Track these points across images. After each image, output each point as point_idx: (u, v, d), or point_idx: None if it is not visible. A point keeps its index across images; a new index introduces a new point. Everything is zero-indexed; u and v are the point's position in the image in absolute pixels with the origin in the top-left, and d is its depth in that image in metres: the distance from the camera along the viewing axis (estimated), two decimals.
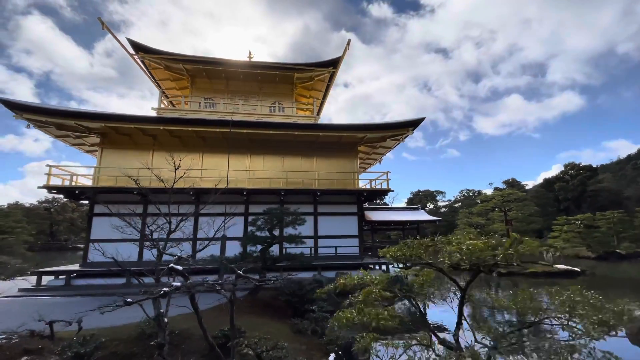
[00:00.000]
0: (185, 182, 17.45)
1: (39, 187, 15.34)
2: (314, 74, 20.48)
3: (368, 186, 20.40)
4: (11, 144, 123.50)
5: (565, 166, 70.66)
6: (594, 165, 68.36)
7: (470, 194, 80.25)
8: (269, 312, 9.75)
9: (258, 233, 11.28)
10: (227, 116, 19.35)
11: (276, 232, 11.27)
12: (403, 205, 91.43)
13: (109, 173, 17.02)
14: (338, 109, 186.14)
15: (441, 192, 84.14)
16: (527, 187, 77.18)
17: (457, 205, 75.15)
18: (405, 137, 18.57)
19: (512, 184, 76.12)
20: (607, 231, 34.66)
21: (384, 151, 21.28)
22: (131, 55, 18.30)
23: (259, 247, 10.87)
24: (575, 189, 64.23)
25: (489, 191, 77.43)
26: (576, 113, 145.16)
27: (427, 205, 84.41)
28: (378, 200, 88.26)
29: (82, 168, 16.34)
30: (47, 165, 15.54)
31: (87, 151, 19.33)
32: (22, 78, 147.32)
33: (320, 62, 20.16)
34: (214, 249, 14.99)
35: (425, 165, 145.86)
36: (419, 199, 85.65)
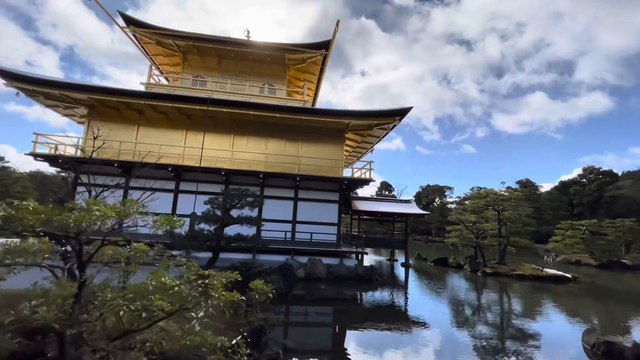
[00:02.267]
0: (168, 159, 17.76)
1: (25, 154, 15.88)
2: (306, 56, 19.96)
3: (357, 174, 20.09)
4: (36, 114, 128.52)
5: (584, 170, 67.40)
6: (616, 171, 64.73)
7: (481, 192, 78.21)
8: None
9: (217, 212, 11.26)
10: (215, 95, 19.25)
11: (234, 213, 11.22)
12: (411, 198, 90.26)
13: (97, 144, 17.38)
14: (354, 97, 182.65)
15: (449, 188, 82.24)
16: (542, 189, 74.64)
17: (466, 202, 73.52)
18: (392, 127, 17.98)
19: (526, 184, 73.47)
20: (615, 240, 33.06)
21: (373, 140, 20.74)
22: (122, 28, 18.32)
23: (214, 225, 10.88)
24: (592, 194, 61.32)
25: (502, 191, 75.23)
26: (603, 115, 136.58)
27: (435, 200, 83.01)
28: (386, 192, 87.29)
29: (67, 138, 16.64)
30: (34, 133, 16.00)
31: (79, 122, 19.77)
32: (49, 51, 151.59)
33: (311, 44, 19.58)
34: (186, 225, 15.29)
35: (439, 160, 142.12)
36: (426, 194, 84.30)
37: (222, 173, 17.07)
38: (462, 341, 8.70)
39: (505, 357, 7.57)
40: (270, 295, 4.74)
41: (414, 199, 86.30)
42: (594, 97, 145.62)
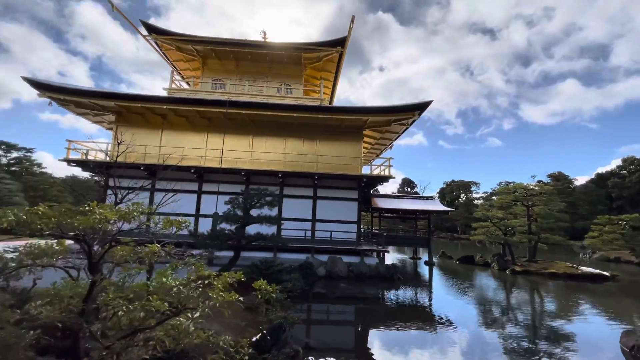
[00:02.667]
0: (190, 161, 18.26)
1: (59, 160, 16.86)
2: (322, 54, 19.86)
3: (376, 172, 19.79)
4: (69, 122, 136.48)
5: (624, 160, 62.93)
6: None
7: (509, 186, 74.94)
8: (238, 288, 9.97)
9: (238, 212, 11.44)
10: (234, 97, 19.58)
11: (254, 213, 11.36)
12: (434, 194, 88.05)
13: (122, 149, 18.17)
14: (372, 94, 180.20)
15: (475, 183, 79.43)
16: (576, 183, 70.54)
17: (493, 198, 70.57)
18: (412, 122, 17.55)
19: (558, 177, 69.67)
20: None
21: (392, 136, 20.34)
22: (144, 36, 19.02)
23: (235, 225, 11.05)
24: (633, 187, 57.18)
25: (531, 185, 71.73)
26: None
27: (460, 196, 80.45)
28: (409, 189, 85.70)
29: (97, 144, 17.50)
30: (67, 140, 16.94)
31: (107, 128, 20.73)
32: (79, 61, 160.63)
33: (327, 42, 19.47)
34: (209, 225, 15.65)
35: (463, 155, 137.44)
36: (451, 190, 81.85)
37: (242, 173, 17.34)
38: (491, 342, 8.34)
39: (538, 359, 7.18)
40: (276, 294, 4.70)
41: (437, 195, 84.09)
42: (632, 82, 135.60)
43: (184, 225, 3.94)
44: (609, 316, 11.48)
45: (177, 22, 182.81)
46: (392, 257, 25.70)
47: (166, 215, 15.06)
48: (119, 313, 2.60)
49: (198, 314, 3.08)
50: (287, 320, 7.31)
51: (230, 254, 11.61)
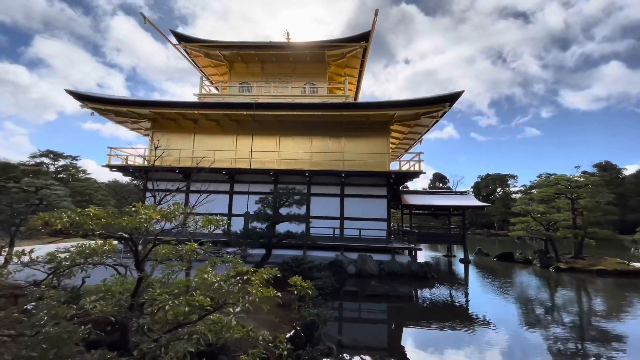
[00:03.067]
0: (222, 163, 18.86)
1: (102, 166, 18.06)
2: (345, 50, 19.69)
3: (405, 167, 19.34)
4: (109, 130, 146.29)
5: None
6: None
7: (550, 178, 70.15)
8: (272, 285, 10.16)
9: (268, 211, 11.65)
10: (260, 99, 19.97)
11: (283, 211, 11.50)
12: (468, 189, 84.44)
13: (158, 154, 19.14)
14: (398, 87, 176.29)
15: (513, 177, 75.20)
16: (625, 173, 64.76)
17: (533, 191, 66.27)
18: (442, 114, 16.93)
19: (605, 167, 64.36)
20: None
21: (422, 130, 19.74)
22: (174, 45, 19.88)
23: (265, 224, 11.26)
24: None
25: (575, 176, 66.70)
26: None
27: (497, 190, 76.57)
28: (440, 184, 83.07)
29: (135, 150, 18.56)
30: (109, 147, 18.11)
31: (144, 135, 21.92)
32: (115, 73, 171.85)
33: (350, 37, 19.27)
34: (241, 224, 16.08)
35: (498, 147, 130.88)
36: (486, 184, 78.13)
37: (271, 173, 17.64)
38: (533, 343, 7.83)
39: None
40: (312, 291, 4.69)
41: (472, 190, 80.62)
42: None
43: (220, 224, 4.05)
44: None
45: (203, 29, 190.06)
46: (424, 255, 25.00)
47: (201, 215, 15.68)
48: (166, 307, 2.71)
49: (239, 308, 3.15)
50: (319, 318, 7.32)
51: (262, 251, 11.85)
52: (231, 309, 3.23)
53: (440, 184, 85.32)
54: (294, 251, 16.27)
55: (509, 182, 75.30)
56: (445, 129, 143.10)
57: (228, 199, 18.55)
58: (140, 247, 3.52)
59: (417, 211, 23.38)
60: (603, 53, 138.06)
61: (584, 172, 66.93)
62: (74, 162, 42.86)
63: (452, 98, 15.89)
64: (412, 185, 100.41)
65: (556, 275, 17.97)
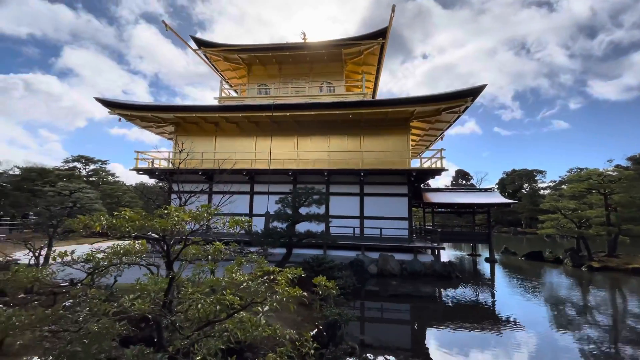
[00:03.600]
0: (242, 164, 19.23)
1: (129, 169, 18.86)
2: (362, 48, 19.54)
3: (427, 164, 18.98)
4: (135, 135, 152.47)
5: None
6: None
7: (581, 173, 66.56)
8: (293, 284, 10.29)
9: (287, 211, 11.78)
10: (277, 100, 20.19)
11: (303, 211, 11.58)
12: (493, 186, 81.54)
13: (182, 157, 19.79)
14: (416, 83, 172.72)
15: (541, 172, 71.87)
16: None
17: (563, 187, 62.97)
18: (464, 109, 16.45)
19: (639, 160, 60.26)
20: None
21: (443, 126, 19.28)
22: (194, 50, 20.45)
23: (286, 223, 11.38)
24: None
25: (608, 170, 63.08)
26: None
27: (524, 187, 73.56)
28: (463, 181, 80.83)
29: (160, 153, 19.24)
30: (135, 151, 18.89)
31: (168, 139, 22.70)
32: (139, 79, 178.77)
33: (367, 34, 19.10)
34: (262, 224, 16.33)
35: (524, 141, 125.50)
36: (512, 180, 75.20)
37: (290, 173, 17.80)
38: (564, 345, 7.51)
39: None
40: (336, 290, 4.71)
41: (497, 186, 77.76)
42: None
43: (245, 224, 4.16)
44: None
45: (220, 33, 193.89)
46: (448, 254, 24.46)
47: (224, 215, 16.01)
48: (198, 306, 2.83)
49: (267, 307, 3.23)
50: (342, 317, 7.34)
51: (283, 250, 11.99)
52: (260, 308, 3.32)
53: (463, 181, 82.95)
54: (314, 250, 16.37)
55: (536, 178, 72.12)
56: (466, 124, 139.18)
57: (249, 199, 18.90)
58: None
59: (440, 209, 22.89)
60: (633, 40, 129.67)
61: (617, 166, 63.01)
62: (104, 166, 45.07)
63: (475, 92, 15.41)
64: (433, 183, 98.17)
65: (589, 274, 17.12)
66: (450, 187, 33.62)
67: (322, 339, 6.23)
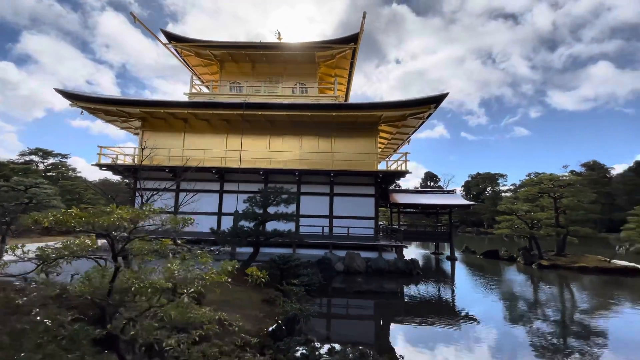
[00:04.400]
0: (212, 162, 19.01)
1: (91, 165, 18.08)
2: (335, 51, 19.97)
3: (393, 167, 19.73)
4: (99, 127, 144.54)
5: None
6: None
7: (534, 178, 71.29)
8: (258, 282, 10.41)
9: (256, 210, 11.88)
10: (250, 98, 20.13)
11: (271, 210, 11.75)
12: (455, 188, 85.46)
13: (148, 153, 19.19)
14: (390, 87, 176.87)
15: (502, 176, 76.47)
16: (613, 172, 66.39)
17: (522, 190, 67.34)
18: (428, 115, 17.33)
19: (593, 167, 65.88)
20: None
21: (409, 130, 20.14)
22: (164, 44, 19.93)
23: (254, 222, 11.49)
24: None
25: (564, 175, 68.12)
26: None
27: (487, 189, 77.77)
28: (432, 183, 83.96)
29: (125, 149, 18.61)
30: (98, 146, 18.14)
31: (134, 134, 21.93)
32: (105, 69, 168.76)
33: (339, 39, 19.54)
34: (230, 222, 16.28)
35: (488, 146, 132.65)
36: (476, 183, 79.34)
37: (261, 173, 17.85)
38: (514, 337, 8.23)
39: (566, 357, 6.98)
40: (299, 288, 5.00)
41: (462, 189, 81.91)
42: None
43: (189, 223, 4.36)
44: (636, 311, 10.97)
45: (193, 26, 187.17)
46: (416, 252, 25.53)
47: (190, 214, 15.73)
48: (132, 289, 3.01)
49: (193, 289, 3.47)
50: (302, 312, 7.64)
51: (252, 250, 12.09)
52: (185, 291, 3.58)
53: (432, 183, 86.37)
54: (283, 249, 16.53)
55: (498, 181, 76.59)
56: (436, 128, 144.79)
57: (218, 198, 18.72)
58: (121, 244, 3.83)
59: (405, 210, 23.84)
60: (591, 54, 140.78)
61: (571, 172, 68.47)
62: (64, 160, 42.46)
63: (438, 100, 16.29)
64: (404, 184, 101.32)
65: (539, 272, 18.57)
66: (415, 189, 34.97)
67: (281, 333, 6.47)
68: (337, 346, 4.38)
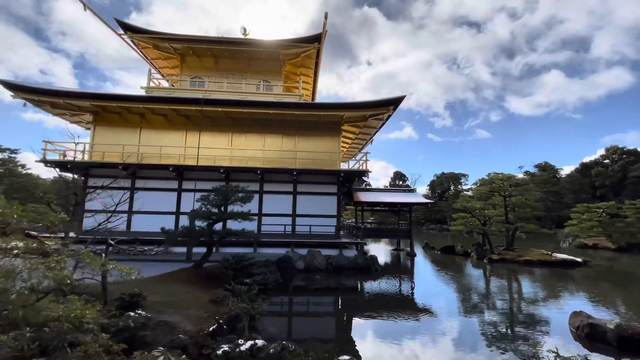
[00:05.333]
0: (170, 159, 18.37)
1: (36, 161, 16.83)
2: (299, 50, 20.00)
3: (356, 166, 20.13)
4: (54, 121, 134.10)
5: (607, 150, 64.33)
6: None
7: (492, 177, 75.81)
8: (209, 282, 10.27)
9: (211, 209, 11.67)
10: (213, 94, 19.66)
11: (228, 209, 11.60)
12: (415, 187, 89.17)
13: (100, 149, 18.20)
14: (361, 88, 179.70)
15: (464, 175, 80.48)
16: (563, 172, 71.91)
17: (475, 188, 71.07)
18: (387, 117, 17.87)
19: (545, 168, 70.99)
20: (635, 221, 31.63)
21: (371, 131, 20.64)
22: (119, 35, 18.93)
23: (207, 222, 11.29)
24: (615, 175, 58.58)
25: (519, 175, 73.05)
26: (626, 91, 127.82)
27: (450, 188, 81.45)
28: (400, 182, 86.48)
29: (74, 144, 17.48)
30: (43, 141, 16.92)
31: (86, 128, 20.67)
32: (61, 59, 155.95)
33: (303, 38, 19.61)
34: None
35: (453, 147, 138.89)
36: (440, 182, 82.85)
37: (221, 170, 17.52)
38: (455, 327, 8.75)
39: (494, 340, 7.60)
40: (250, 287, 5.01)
41: (428, 187, 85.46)
42: (614, 72, 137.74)
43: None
44: (566, 299, 12.05)
45: (159, 17, 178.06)
46: (381, 250, 26.32)
47: (147, 214, 15.31)
48: None
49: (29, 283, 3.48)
50: (247, 312, 7.65)
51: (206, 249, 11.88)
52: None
53: (400, 182, 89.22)
54: (245, 249, 16.40)
55: (461, 181, 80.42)
56: (404, 129, 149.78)
57: (176, 197, 18.15)
58: None
59: (368, 208, 24.43)
60: (544, 63, 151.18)
61: (526, 172, 73.63)
62: (13, 155, 39.20)
63: (395, 102, 16.85)
64: (375, 183, 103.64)
65: (489, 265, 19.80)
66: (378, 188, 36.01)
67: (222, 332, 6.46)
68: (260, 342, 4.46)
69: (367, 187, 39.23)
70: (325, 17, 16.67)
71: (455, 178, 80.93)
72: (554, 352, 4.38)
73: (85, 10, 16.59)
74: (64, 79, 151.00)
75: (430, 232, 58.91)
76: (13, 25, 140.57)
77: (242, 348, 4.24)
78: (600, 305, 11.16)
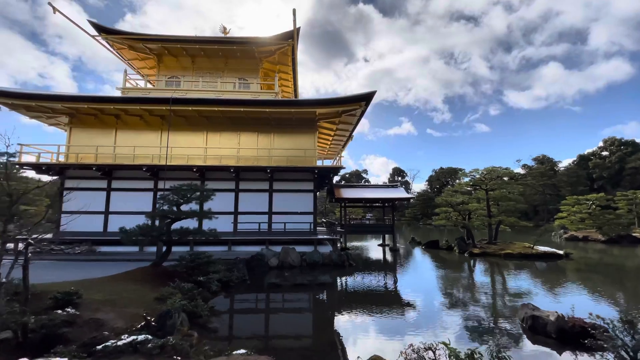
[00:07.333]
0: (146, 159, 18.45)
1: (13, 164, 16.98)
2: (274, 48, 19.96)
3: (335, 163, 20.09)
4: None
5: (605, 141, 63.52)
6: (639, 141, 60.28)
7: (498, 171, 75.27)
8: (164, 280, 10.30)
9: (173, 208, 11.75)
10: (189, 94, 19.73)
11: (186, 208, 11.68)
12: (424, 184, 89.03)
13: (76, 150, 18.32)
14: (359, 85, 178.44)
15: (462, 170, 79.84)
16: (561, 165, 71.27)
17: (457, 183, 70.62)
18: (361, 112, 17.78)
19: (543, 161, 70.42)
20: (625, 213, 31.37)
21: (347, 127, 20.53)
22: (93, 36, 19.00)
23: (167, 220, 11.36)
24: (612, 167, 57.93)
25: (517, 169, 72.61)
26: (625, 82, 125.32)
27: (448, 183, 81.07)
28: (399, 177, 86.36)
29: (50, 146, 17.64)
30: (19, 144, 17.07)
31: (64, 130, 20.80)
32: (59, 62, 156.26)
33: (276, 35, 19.47)
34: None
35: (452, 142, 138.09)
36: (438, 177, 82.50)
37: (194, 169, 17.58)
38: (416, 319, 8.82)
39: (453, 333, 7.66)
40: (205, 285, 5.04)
41: (427, 182, 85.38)
42: (613, 64, 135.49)
43: None
44: (536, 291, 11.95)
45: (153, 17, 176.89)
46: (371, 245, 26.38)
47: (121, 214, 15.42)
48: None
49: None
50: (187, 308, 7.73)
51: (186, 249, 11.98)
52: None
53: (399, 178, 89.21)
54: (218, 247, 16.50)
55: (459, 175, 79.86)
56: (404, 125, 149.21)
57: (152, 196, 18.24)
58: None
59: (351, 204, 24.40)
60: (541, 56, 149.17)
61: (524, 165, 73.16)
62: (12, 159, 39.55)
63: (367, 97, 16.76)
64: (375, 179, 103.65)
65: (469, 259, 19.72)
66: (359, 184, 36.03)
67: (150, 329, 6.51)
68: (141, 337, 4.50)
69: (342, 183, 39.20)
70: (294, 14, 16.60)
71: (454, 173, 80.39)
72: (446, 344, 4.36)
73: (54, 13, 16.67)
74: (63, 82, 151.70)
75: (427, 227, 58.84)
76: (10, 30, 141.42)
77: (119, 343, 4.27)
78: (561, 297, 11.11)
